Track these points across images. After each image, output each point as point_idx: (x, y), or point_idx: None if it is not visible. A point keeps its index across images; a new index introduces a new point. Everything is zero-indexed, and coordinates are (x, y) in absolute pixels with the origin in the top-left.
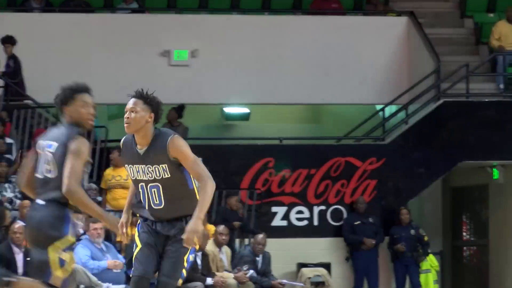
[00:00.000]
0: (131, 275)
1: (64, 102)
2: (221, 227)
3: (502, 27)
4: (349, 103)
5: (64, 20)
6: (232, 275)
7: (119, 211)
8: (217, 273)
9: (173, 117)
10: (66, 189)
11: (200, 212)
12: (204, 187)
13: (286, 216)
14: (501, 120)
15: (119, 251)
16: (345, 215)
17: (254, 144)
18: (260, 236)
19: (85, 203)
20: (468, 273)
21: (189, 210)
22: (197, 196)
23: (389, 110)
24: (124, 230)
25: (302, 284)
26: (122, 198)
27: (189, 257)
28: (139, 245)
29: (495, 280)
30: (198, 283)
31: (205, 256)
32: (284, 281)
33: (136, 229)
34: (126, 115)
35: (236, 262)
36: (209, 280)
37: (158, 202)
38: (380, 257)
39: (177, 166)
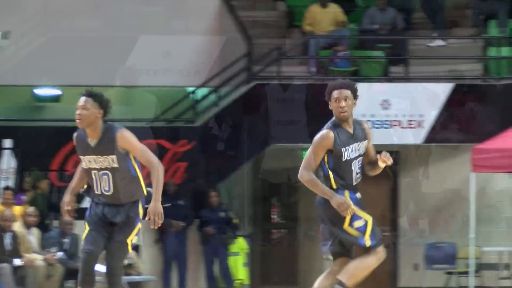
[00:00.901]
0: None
1: (327, 99)
2: (30, 209)
3: (315, 11)
4: (160, 85)
5: None
6: (40, 256)
7: None
8: (25, 255)
9: None
10: (299, 176)
11: (157, 194)
12: (156, 172)
13: None
14: (312, 103)
15: None
16: None
17: (65, 126)
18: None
19: (312, 185)
20: (277, 255)
21: (135, 196)
22: (142, 182)
23: (201, 92)
24: (66, 208)
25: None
26: None
27: (133, 239)
28: (87, 228)
29: (304, 262)
30: (5, 264)
31: (14, 237)
32: None
33: (86, 213)
34: (78, 112)
35: (43, 243)
36: (17, 261)
37: (107, 188)
38: (190, 240)
39: (123, 157)
